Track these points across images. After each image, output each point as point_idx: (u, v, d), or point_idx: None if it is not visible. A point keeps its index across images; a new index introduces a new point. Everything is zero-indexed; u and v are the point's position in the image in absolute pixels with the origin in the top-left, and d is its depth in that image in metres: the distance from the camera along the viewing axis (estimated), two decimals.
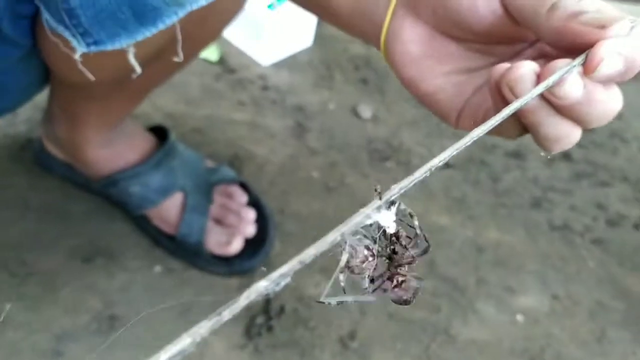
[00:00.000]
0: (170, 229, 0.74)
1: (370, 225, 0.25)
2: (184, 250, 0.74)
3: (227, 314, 0.19)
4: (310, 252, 0.22)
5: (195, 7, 0.40)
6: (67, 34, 0.44)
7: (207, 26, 0.63)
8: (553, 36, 0.31)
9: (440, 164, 0.25)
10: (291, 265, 0.21)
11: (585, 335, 0.77)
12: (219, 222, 0.75)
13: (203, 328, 0.19)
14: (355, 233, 0.26)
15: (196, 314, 0.71)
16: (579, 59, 0.29)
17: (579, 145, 1.00)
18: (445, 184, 0.90)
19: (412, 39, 0.37)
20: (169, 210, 0.74)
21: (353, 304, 0.74)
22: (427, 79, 0.37)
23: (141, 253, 0.74)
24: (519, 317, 0.77)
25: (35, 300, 0.69)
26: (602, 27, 0.28)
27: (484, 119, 0.34)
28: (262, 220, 0.77)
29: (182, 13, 0.41)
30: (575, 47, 0.29)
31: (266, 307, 0.73)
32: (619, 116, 1.06)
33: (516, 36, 0.35)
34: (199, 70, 0.97)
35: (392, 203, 0.24)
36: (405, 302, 0.28)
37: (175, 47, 0.52)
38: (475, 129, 0.27)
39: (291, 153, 0.90)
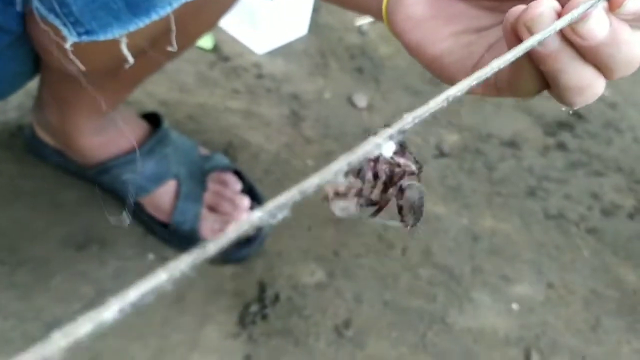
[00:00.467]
0: (164, 217, 0.73)
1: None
2: (177, 238, 0.73)
3: (213, 247, 0.17)
4: (313, 182, 0.19)
5: None
6: (57, 23, 0.43)
7: (203, 17, 0.62)
8: None
9: (459, 94, 0.23)
10: (290, 195, 0.18)
11: (580, 323, 0.77)
12: (213, 209, 0.74)
13: (183, 263, 0.17)
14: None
15: (189, 303, 0.70)
16: None
17: (574, 135, 1.00)
18: (440, 173, 0.90)
19: (415, 1, 0.35)
20: (162, 198, 0.73)
21: (349, 290, 0.74)
22: (434, 42, 0.35)
23: (134, 241, 0.74)
24: (514, 306, 0.77)
25: (27, 289, 0.68)
26: None
27: (496, 80, 0.33)
28: (256, 208, 0.76)
29: (176, 4, 0.41)
30: None
31: (261, 295, 0.72)
32: (614, 106, 1.06)
33: None
34: (193, 58, 0.96)
35: (403, 133, 0.22)
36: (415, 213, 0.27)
37: (169, 37, 0.51)
38: (496, 60, 0.24)
39: (286, 141, 0.89)
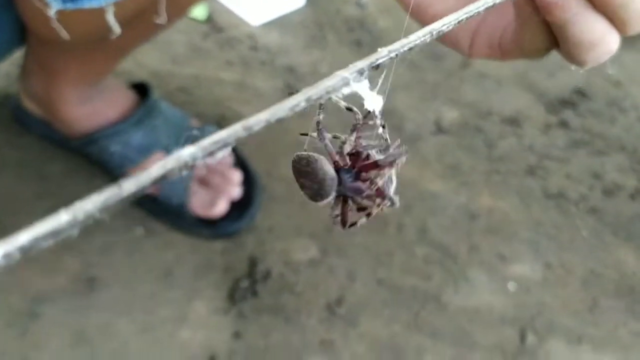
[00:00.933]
0: (153, 190, 0.71)
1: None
2: (166, 211, 0.71)
3: (131, 185, 0.14)
4: (262, 117, 0.16)
5: None
6: None
7: None
8: None
9: (444, 28, 0.21)
10: (232, 130, 0.16)
11: (577, 304, 0.75)
12: (203, 183, 0.73)
13: (90, 203, 0.13)
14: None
15: (178, 277, 0.69)
16: None
17: (577, 113, 0.98)
18: (439, 150, 0.88)
19: None
20: None
21: (340, 268, 0.72)
22: (434, 3, 0.33)
23: (122, 214, 0.72)
24: (511, 285, 0.76)
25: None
26: None
27: (501, 40, 0.31)
28: (248, 183, 0.74)
29: None
30: None
31: (251, 271, 0.71)
32: (618, 85, 1.03)
33: None
34: (185, 29, 0.93)
35: (377, 68, 0.19)
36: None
37: (158, 7, 0.48)
38: None
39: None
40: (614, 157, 0.93)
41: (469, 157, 0.88)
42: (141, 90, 0.76)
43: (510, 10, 0.29)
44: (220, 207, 0.71)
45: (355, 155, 0.24)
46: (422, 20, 0.34)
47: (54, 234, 0.13)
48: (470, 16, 0.24)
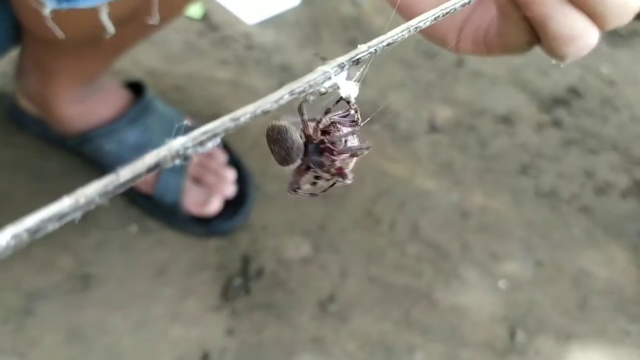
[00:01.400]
0: (147, 188, 0.72)
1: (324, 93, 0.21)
2: (160, 210, 0.72)
3: (127, 172, 0.15)
4: (248, 109, 0.17)
5: None
6: None
7: None
8: None
9: (422, 25, 0.22)
10: (221, 122, 0.17)
11: (568, 302, 0.76)
12: (197, 181, 0.73)
13: (92, 188, 0.15)
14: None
15: (172, 275, 0.69)
16: None
17: (570, 112, 0.98)
18: (432, 149, 0.88)
19: None
20: None
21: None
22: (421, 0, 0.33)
23: (116, 212, 0.72)
24: (502, 284, 0.76)
25: (6, 258, 0.67)
26: None
27: (486, 36, 0.31)
28: (242, 181, 0.75)
29: None
30: None
31: (244, 268, 0.71)
32: (611, 84, 1.04)
33: None
34: (181, 27, 0.94)
35: (357, 62, 0.20)
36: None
37: (151, 8, 0.49)
38: None
39: (274, 114, 0.87)
40: (606, 156, 0.93)
41: (462, 156, 0.89)
42: (136, 89, 0.76)
43: (494, 7, 0.30)
44: (214, 206, 0.71)
45: (326, 133, 0.25)
46: (411, 16, 0.35)
47: (58, 217, 0.14)
48: (447, 13, 0.25)
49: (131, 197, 0.73)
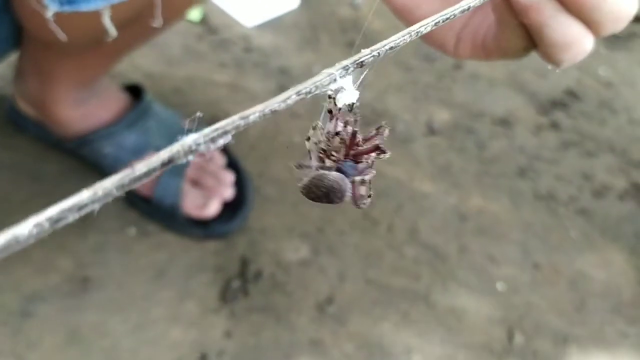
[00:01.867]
0: (146, 191, 0.72)
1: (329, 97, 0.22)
2: (159, 212, 0.72)
3: (143, 166, 0.16)
4: (257, 108, 0.18)
5: None
6: None
7: None
8: None
9: (423, 30, 0.22)
10: (232, 120, 0.18)
11: (565, 304, 0.76)
12: (195, 184, 0.73)
13: (109, 182, 0.15)
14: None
15: (171, 277, 0.70)
16: None
17: (568, 114, 0.99)
18: (430, 151, 0.89)
19: None
20: None
21: (332, 270, 0.73)
22: (419, 5, 0.34)
23: (115, 214, 0.73)
24: (500, 286, 0.77)
25: (5, 261, 0.67)
26: None
27: (484, 41, 0.32)
28: (240, 184, 0.75)
29: None
30: None
31: (243, 271, 0.72)
32: (609, 86, 1.04)
33: None
34: (180, 30, 0.94)
35: (361, 65, 0.21)
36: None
37: (154, 10, 0.49)
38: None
39: (273, 117, 0.87)
40: (603, 158, 0.94)
41: (460, 158, 0.89)
42: (135, 92, 0.76)
43: (492, 13, 0.31)
44: (213, 208, 0.72)
45: (342, 144, 0.26)
46: (411, 22, 0.35)
47: (77, 207, 0.15)
48: (447, 19, 0.26)
49: (130, 199, 0.73)
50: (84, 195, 0.15)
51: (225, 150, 0.77)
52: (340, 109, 0.24)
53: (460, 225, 0.81)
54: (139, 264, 0.70)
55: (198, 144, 0.17)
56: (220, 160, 0.75)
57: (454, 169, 0.87)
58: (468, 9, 0.26)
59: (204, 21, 0.97)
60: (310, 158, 0.26)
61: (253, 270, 0.72)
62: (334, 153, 0.26)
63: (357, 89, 0.24)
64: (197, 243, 0.73)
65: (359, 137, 0.26)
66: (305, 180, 0.25)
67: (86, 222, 0.71)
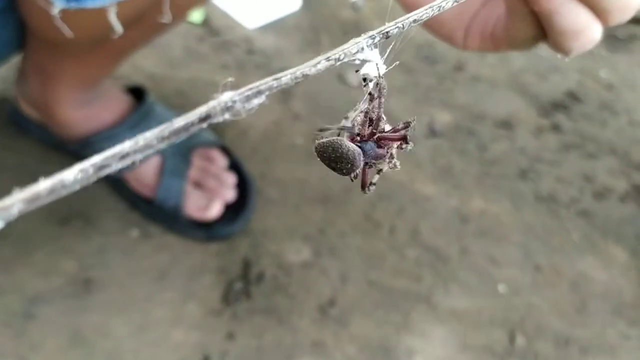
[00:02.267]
0: (148, 192, 0.72)
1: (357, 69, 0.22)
2: (162, 214, 0.72)
3: (181, 120, 0.17)
4: (289, 71, 0.19)
5: None
6: None
7: None
8: None
9: (446, 5, 0.23)
10: (265, 80, 0.18)
11: (566, 306, 0.77)
12: (198, 185, 0.74)
13: (150, 133, 0.16)
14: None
15: (173, 279, 0.70)
16: None
17: (569, 116, 0.99)
18: (432, 153, 0.89)
19: None
20: (146, 174, 0.72)
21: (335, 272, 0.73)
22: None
23: (118, 216, 0.73)
24: (501, 288, 0.77)
25: (8, 262, 0.67)
26: None
27: (493, 32, 0.33)
28: (242, 185, 0.75)
29: None
30: None
31: (245, 273, 0.72)
32: (610, 88, 1.04)
33: None
34: (182, 32, 0.94)
35: (387, 36, 0.22)
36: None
37: (159, 9, 0.49)
38: None
39: (275, 119, 0.88)
40: (605, 160, 0.94)
41: (462, 161, 0.89)
42: (137, 93, 0.77)
43: (502, 3, 0.31)
44: (215, 210, 0.72)
45: (370, 124, 0.26)
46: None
47: (120, 156, 0.16)
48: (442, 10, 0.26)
49: (132, 201, 0.73)
50: (126, 145, 0.16)
51: (227, 152, 0.77)
52: (372, 87, 0.25)
53: (462, 227, 0.82)
54: (142, 265, 0.70)
55: (234, 101, 0.17)
56: (223, 162, 0.75)
57: (456, 171, 0.88)
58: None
59: (205, 23, 0.97)
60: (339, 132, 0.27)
61: (255, 272, 0.72)
62: (360, 133, 0.26)
63: (384, 64, 0.24)
64: (200, 245, 0.73)
65: (386, 125, 0.26)
66: (324, 140, 0.24)
67: (89, 224, 0.71)
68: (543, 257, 0.81)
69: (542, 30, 0.30)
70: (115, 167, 0.16)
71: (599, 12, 0.28)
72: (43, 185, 0.14)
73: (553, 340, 0.73)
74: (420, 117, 0.93)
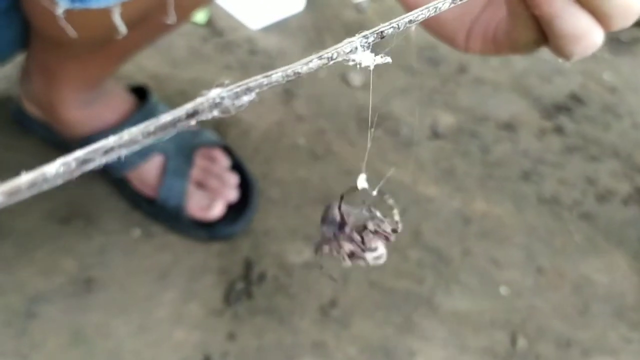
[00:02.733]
0: (150, 192, 0.72)
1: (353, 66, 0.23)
2: (164, 214, 0.72)
3: (168, 116, 0.16)
4: (280, 69, 0.19)
5: None
6: None
7: None
8: None
9: (443, 6, 0.23)
10: (255, 78, 0.18)
11: (568, 308, 0.76)
12: (200, 185, 0.74)
13: (135, 129, 0.16)
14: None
15: (174, 279, 0.70)
16: None
17: (572, 119, 0.99)
18: (434, 155, 0.89)
19: None
20: (148, 173, 0.72)
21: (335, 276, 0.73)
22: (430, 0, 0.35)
23: (119, 216, 0.73)
24: (503, 290, 0.77)
25: (9, 261, 0.67)
26: None
27: (495, 35, 0.33)
28: (245, 186, 0.75)
29: None
30: None
31: (246, 273, 0.72)
32: (613, 90, 1.04)
33: None
34: (185, 32, 0.94)
35: (382, 36, 0.22)
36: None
37: (164, 9, 0.49)
38: None
39: (277, 119, 0.88)
40: (607, 163, 0.94)
41: (464, 162, 0.89)
42: (140, 93, 0.77)
43: (503, 7, 0.31)
44: (217, 210, 0.72)
45: (360, 235, 0.29)
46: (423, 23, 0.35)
47: (103, 150, 0.16)
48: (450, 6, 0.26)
49: (134, 201, 0.73)
50: (110, 140, 0.16)
51: (229, 152, 0.77)
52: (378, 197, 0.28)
53: (464, 229, 0.81)
54: (143, 265, 0.70)
55: (222, 98, 0.17)
56: (225, 162, 0.75)
57: (458, 173, 0.87)
58: (461, 1, 0.27)
59: (209, 23, 0.97)
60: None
61: (257, 273, 0.72)
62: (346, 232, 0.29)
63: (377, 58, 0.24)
64: (201, 245, 0.73)
65: (367, 242, 0.29)
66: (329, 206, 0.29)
67: (91, 223, 0.72)
68: (545, 259, 0.80)
69: (544, 34, 0.30)
70: (99, 161, 0.16)
71: (600, 17, 0.28)
72: (25, 178, 0.14)
73: (555, 343, 0.73)
74: (423, 118, 0.93)
